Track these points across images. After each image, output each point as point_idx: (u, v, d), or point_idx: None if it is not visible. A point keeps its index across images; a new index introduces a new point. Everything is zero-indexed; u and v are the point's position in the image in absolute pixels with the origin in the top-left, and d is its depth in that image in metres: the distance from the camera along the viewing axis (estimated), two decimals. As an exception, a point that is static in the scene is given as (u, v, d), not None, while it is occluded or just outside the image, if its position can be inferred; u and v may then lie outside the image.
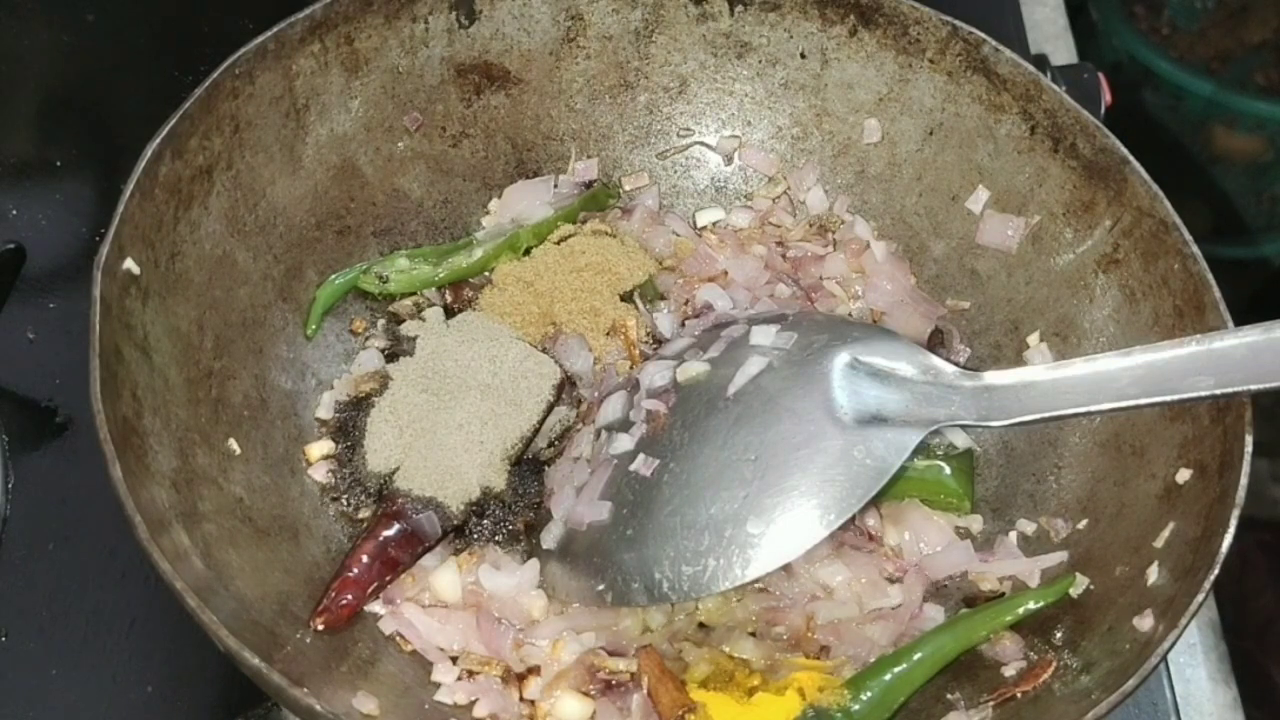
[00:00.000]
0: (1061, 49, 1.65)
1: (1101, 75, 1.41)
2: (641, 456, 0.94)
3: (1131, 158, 0.99)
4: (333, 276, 1.06)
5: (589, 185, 1.15)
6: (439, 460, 0.96)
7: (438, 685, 0.90)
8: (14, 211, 1.26)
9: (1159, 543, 0.89)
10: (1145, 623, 0.84)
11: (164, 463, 0.85)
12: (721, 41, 1.14)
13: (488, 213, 1.14)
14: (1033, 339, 1.06)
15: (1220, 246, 2.31)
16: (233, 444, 0.93)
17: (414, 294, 1.08)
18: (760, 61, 1.15)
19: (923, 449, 0.98)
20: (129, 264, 0.87)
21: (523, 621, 0.93)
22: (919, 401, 0.93)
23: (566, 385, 1.03)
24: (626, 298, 1.08)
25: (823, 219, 1.16)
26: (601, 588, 0.91)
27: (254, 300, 1.00)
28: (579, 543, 0.94)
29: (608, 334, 1.06)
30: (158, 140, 0.91)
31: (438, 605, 0.94)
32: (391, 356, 1.04)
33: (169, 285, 0.92)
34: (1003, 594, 0.96)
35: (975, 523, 1.01)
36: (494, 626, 0.92)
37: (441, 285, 1.09)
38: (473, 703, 0.89)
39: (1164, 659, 0.82)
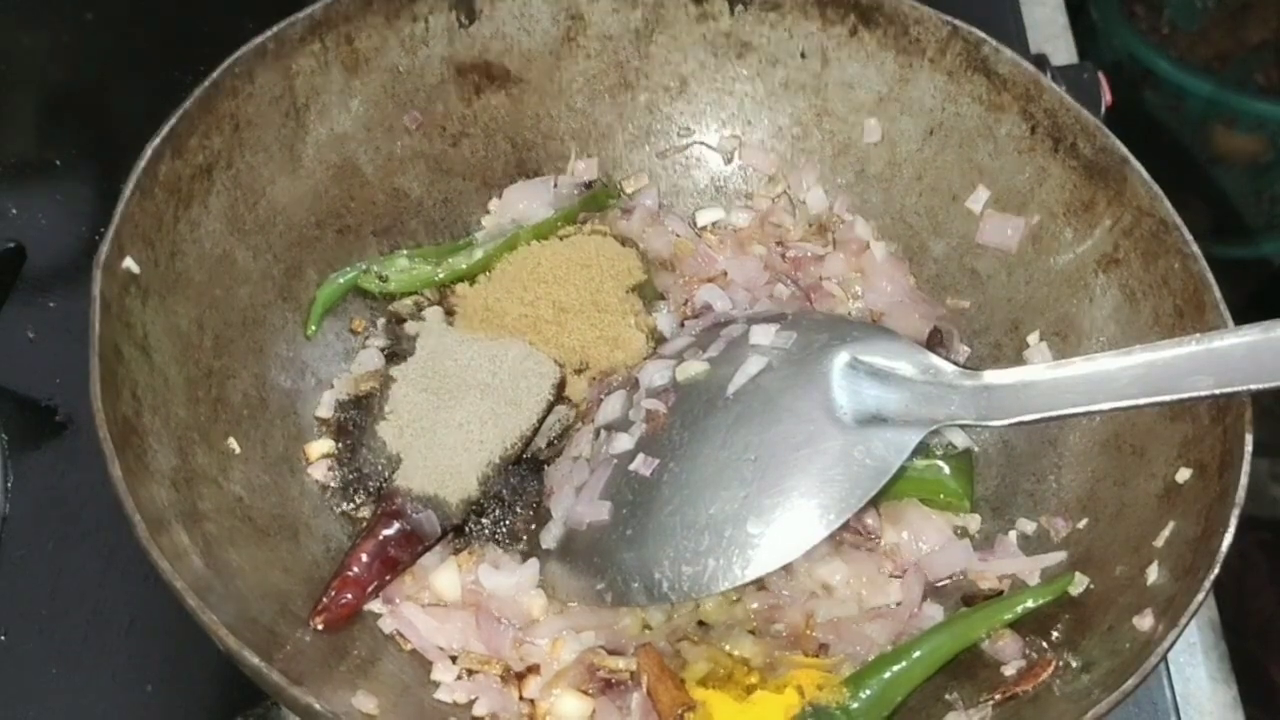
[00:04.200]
0: (1061, 49, 1.65)
1: (1101, 75, 1.41)
2: (641, 456, 0.94)
3: (1131, 157, 0.99)
4: (333, 276, 1.06)
5: (589, 185, 1.15)
6: (439, 460, 0.96)
7: (437, 684, 0.90)
8: (14, 211, 1.26)
9: (1159, 542, 0.89)
10: (1145, 622, 0.84)
11: (164, 462, 0.85)
12: (721, 41, 1.14)
13: (488, 213, 1.14)
14: (1033, 339, 1.06)
15: (1220, 246, 2.31)
16: (232, 443, 0.94)
17: (414, 293, 1.08)
18: (760, 61, 1.15)
19: (922, 449, 0.98)
20: (129, 263, 0.88)
21: (522, 621, 0.93)
22: (919, 401, 0.93)
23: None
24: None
25: (822, 219, 1.16)
26: (601, 587, 0.92)
27: (254, 299, 1.00)
28: (579, 542, 0.94)
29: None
30: (158, 140, 0.91)
31: (437, 604, 0.94)
32: (392, 356, 1.04)
33: (169, 284, 0.92)
34: (1002, 593, 0.96)
35: (974, 522, 1.02)
36: (494, 626, 0.93)
37: (441, 285, 1.09)
38: (472, 702, 0.89)
39: (1164, 658, 0.82)
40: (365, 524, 0.96)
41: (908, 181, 1.13)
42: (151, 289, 0.90)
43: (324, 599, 0.89)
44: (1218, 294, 0.93)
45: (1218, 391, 0.84)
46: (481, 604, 0.93)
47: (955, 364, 0.97)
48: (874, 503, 0.96)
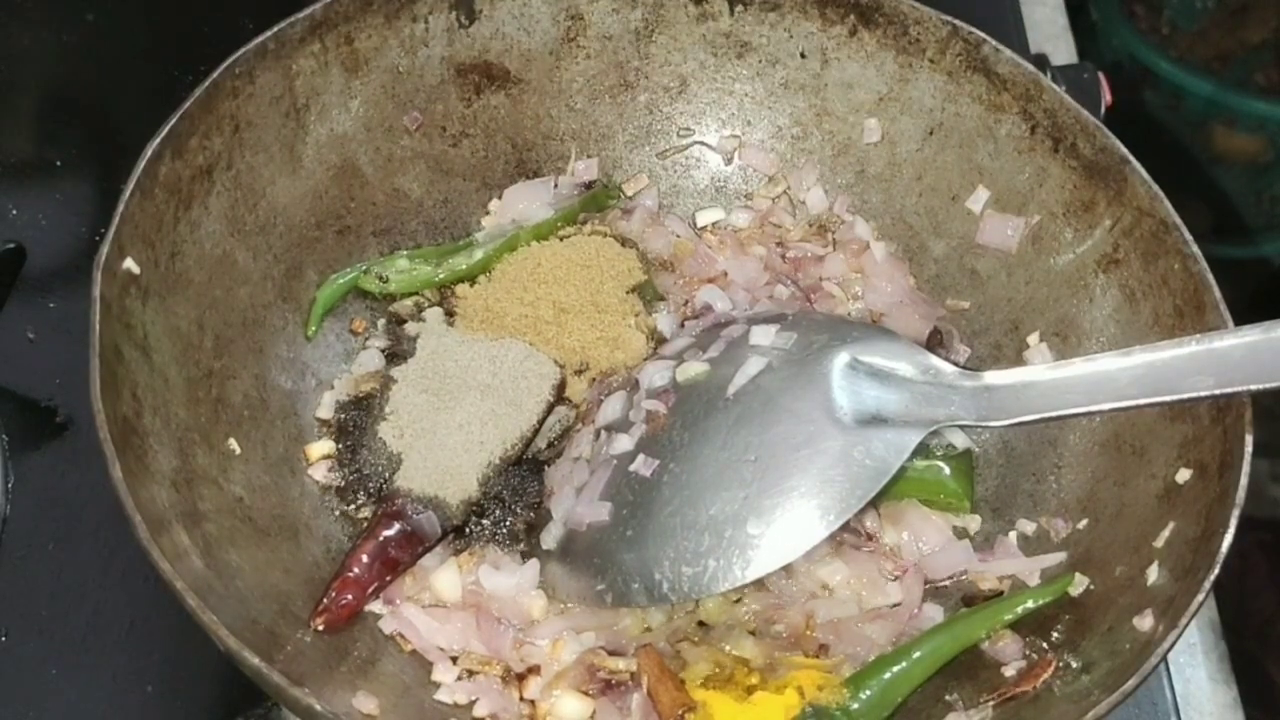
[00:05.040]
0: (1061, 49, 1.65)
1: (1101, 75, 1.41)
2: (641, 457, 0.94)
3: (1131, 158, 0.99)
4: (333, 276, 1.06)
5: (589, 186, 1.15)
6: (439, 460, 0.96)
7: (438, 685, 0.90)
8: (14, 211, 1.26)
9: (1159, 543, 0.89)
10: (1145, 623, 0.84)
11: (164, 463, 0.85)
12: (721, 41, 1.14)
13: (488, 213, 1.14)
14: (1033, 339, 1.06)
15: (1220, 246, 2.31)
16: (233, 444, 0.94)
17: (414, 294, 1.08)
18: (760, 61, 1.15)
19: (922, 449, 0.98)
20: (129, 264, 0.88)
21: (523, 621, 0.93)
22: (919, 401, 0.93)
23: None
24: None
25: (823, 219, 1.16)
26: (601, 588, 0.92)
27: (254, 300, 1.00)
28: (579, 543, 0.94)
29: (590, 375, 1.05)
30: (158, 140, 0.91)
31: (438, 605, 0.94)
32: (392, 356, 1.04)
33: (169, 285, 0.92)
34: (1002, 593, 0.96)
35: (974, 522, 1.02)
36: (494, 626, 0.93)
37: (441, 286, 1.09)
38: (473, 702, 0.89)
39: (1164, 659, 0.82)
40: (366, 525, 0.96)
41: (908, 181, 1.13)
42: (151, 289, 0.90)
43: (324, 600, 0.89)
44: (1218, 294, 0.93)
45: (1218, 392, 0.84)
46: (482, 605, 0.93)
47: (955, 364, 0.97)
48: (874, 503, 0.96)
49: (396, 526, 0.93)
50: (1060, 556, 0.95)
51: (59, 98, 1.39)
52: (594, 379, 1.04)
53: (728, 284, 1.11)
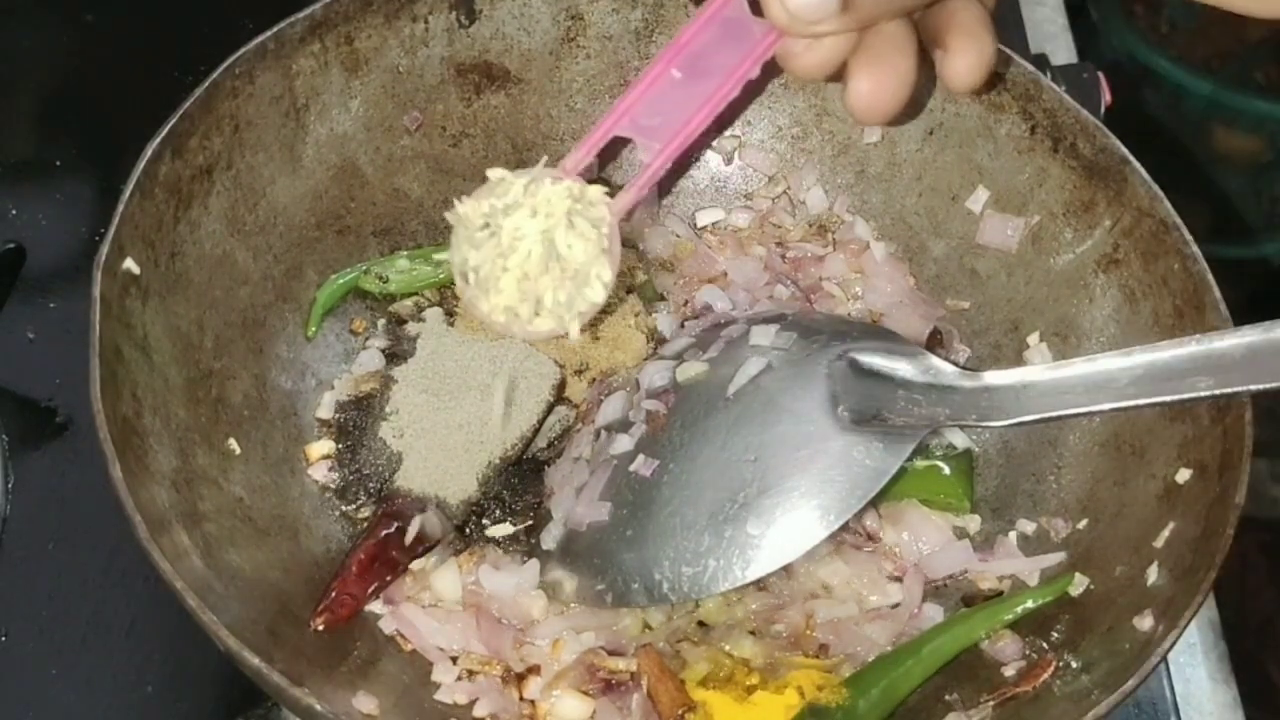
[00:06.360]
0: (1061, 49, 1.65)
1: (1101, 75, 1.41)
2: (641, 457, 0.94)
3: (1131, 158, 0.99)
4: (333, 276, 1.06)
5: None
6: (439, 460, 0.96)
7: (437, 685, 0.90)
8: (14, 211, 1.26)
9: (1159, 543, 0.89)
10: (1145, 623, 0.84)
11: (164, 463, 0.85)
12: (721, 41, 1.14)
13: (488, 213, 1.14)
14: (1033, 339, 1.06)
15: (1220, 246, 2.31)
16: (233, 444, 0.94)
17: (414, 294, 1.08)
18: (760, 61, 1.15)
19: (922, 449, 0.98)
20: (129, 264, 0.88)
21: (523, 621, 0.93)
22: (919, 401, 0.93)
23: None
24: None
25: (822, 219, 1.16)
26: (601, 588, 0.92)
27: (254, 300, 1.00)
28: (579, 543, 0.94)
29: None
30: (158, 140, 0.91)
31: (438, 605, 0.94)
32: (392, 357, 1.05)
33: (169, 285, 0.92)
34: (1002, 593, 0.96)
35: (974, 522, 1.02)
36: (494, 626, 0.93)
37: (442, 286, 1.09)
38: (473, 702, 0.89)
39: (1164, 659, 0.82)
40: (365, 525, 0.96)
41: (908, 181, 1.13)
42: (151, 290, 0.90)
43: (324, 600, 0.89)
44: (1218, 294, 0.93)
45: (1218, 392, 0.84)
46: (482, 605, 0.93)
47: (955, 364, 0.97)
48: (874, 503, 0.96)
49: (396, 526, 0.93)
50: (1060, 556, 0.96)
51: (59, 98, 1.38)
52: (594, 379, 1.04)
53: (728, 284, 1.11)
